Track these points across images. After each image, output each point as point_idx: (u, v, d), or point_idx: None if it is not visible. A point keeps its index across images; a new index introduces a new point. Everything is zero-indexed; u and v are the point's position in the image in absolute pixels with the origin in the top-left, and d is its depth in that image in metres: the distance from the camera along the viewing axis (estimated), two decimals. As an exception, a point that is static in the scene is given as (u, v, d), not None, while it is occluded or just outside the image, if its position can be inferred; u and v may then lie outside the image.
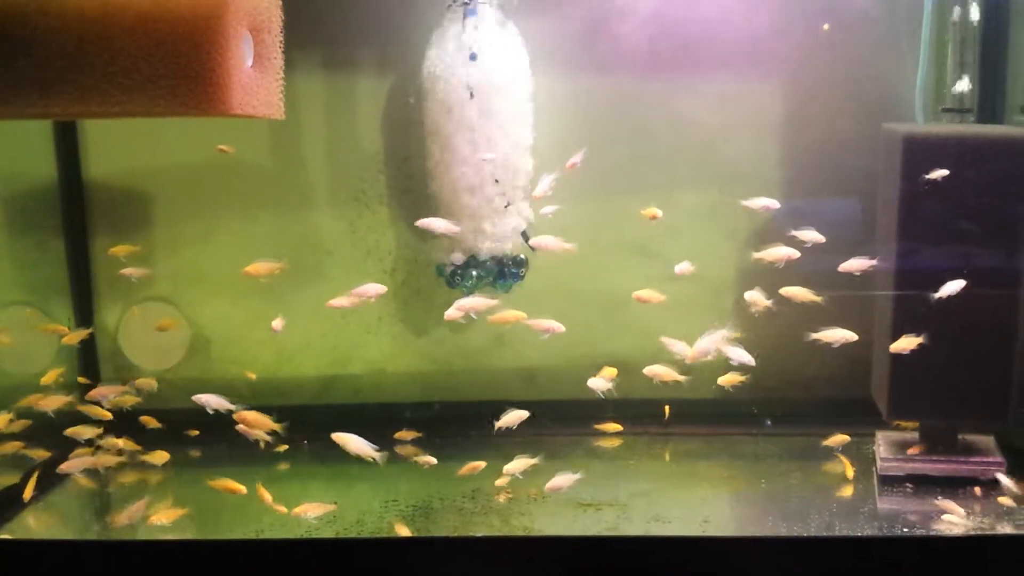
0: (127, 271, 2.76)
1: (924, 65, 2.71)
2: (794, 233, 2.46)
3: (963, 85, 2.60)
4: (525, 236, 2.81)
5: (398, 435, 2.77)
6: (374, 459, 2.34)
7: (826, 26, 2.75)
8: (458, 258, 2.77)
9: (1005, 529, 2.21)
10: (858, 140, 2.77)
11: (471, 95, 2.63)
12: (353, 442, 2.34)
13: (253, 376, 2.80)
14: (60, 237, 2.93)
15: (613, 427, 2.81)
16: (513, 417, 2.54)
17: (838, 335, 2.42)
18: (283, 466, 2.71)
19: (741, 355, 2.48)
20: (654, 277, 2.87)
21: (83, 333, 2.84)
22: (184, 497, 2.56)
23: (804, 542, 2.17)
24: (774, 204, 2.55)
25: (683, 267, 2.60)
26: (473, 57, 2.60)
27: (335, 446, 2.79)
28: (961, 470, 2.46)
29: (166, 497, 2.53)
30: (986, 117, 2.73)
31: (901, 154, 2.43)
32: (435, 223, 2.55)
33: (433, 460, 2.56)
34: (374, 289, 2.52)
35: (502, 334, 2.97)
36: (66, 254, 2.93)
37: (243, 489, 2.39)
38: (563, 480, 2.38)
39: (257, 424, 2.46)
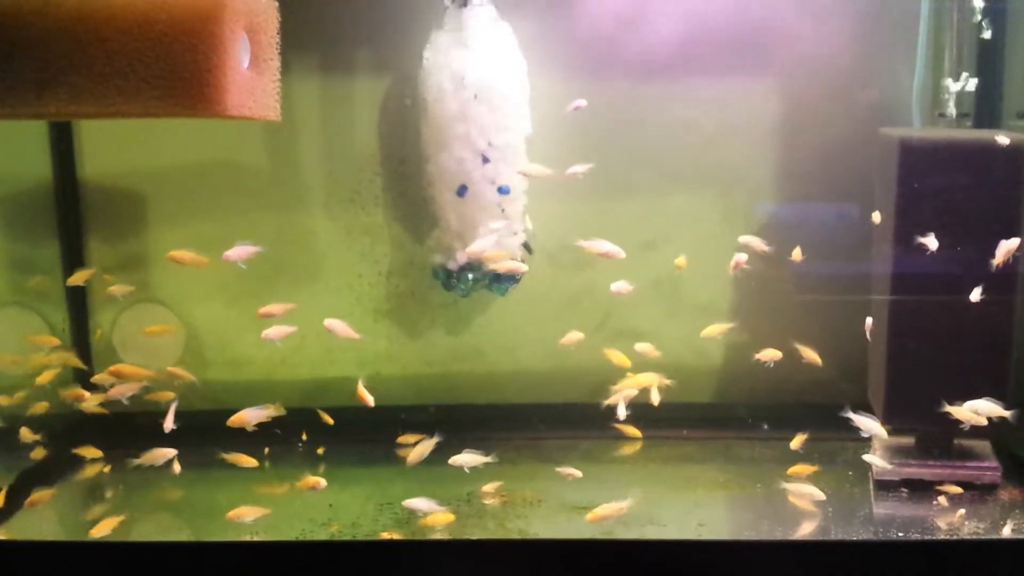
0: (113, 289, 2.76)
1: (921, 69, 2.72)
2: (921, 241, 2.37)
3: (961, 85, 2.60)
4: (527, 246, 2.80)
5: (401, 439, 2.76)
6: (271, 416, 2.38)
7: None
8: (454, 261, 2.77)
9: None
10: (855, 144, 2.77)
11: (475, 95, 2.63)
12: (248, 414, 2.40)
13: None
14: (55, 238, 2.92)
15: (633, 432, 2.75)
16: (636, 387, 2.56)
17: (987, 408, 2.34)
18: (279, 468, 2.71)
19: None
20: (650, 279, 2.87)
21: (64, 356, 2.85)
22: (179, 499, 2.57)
23: (799, 546, 2.17)
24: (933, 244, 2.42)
25: (619, 286, 2.60)
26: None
27: (330, 448, 2.81)
28: (957, 475, 2.46)
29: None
30: (983, 122, 2.74)
31: (897, 159, 2.43)
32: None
33: (578, 473, 2.50)
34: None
35: (496, 337, 2.97)
36: (60, 255, 2.92)
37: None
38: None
39: (131, 375, 2.55)
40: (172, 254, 2.56)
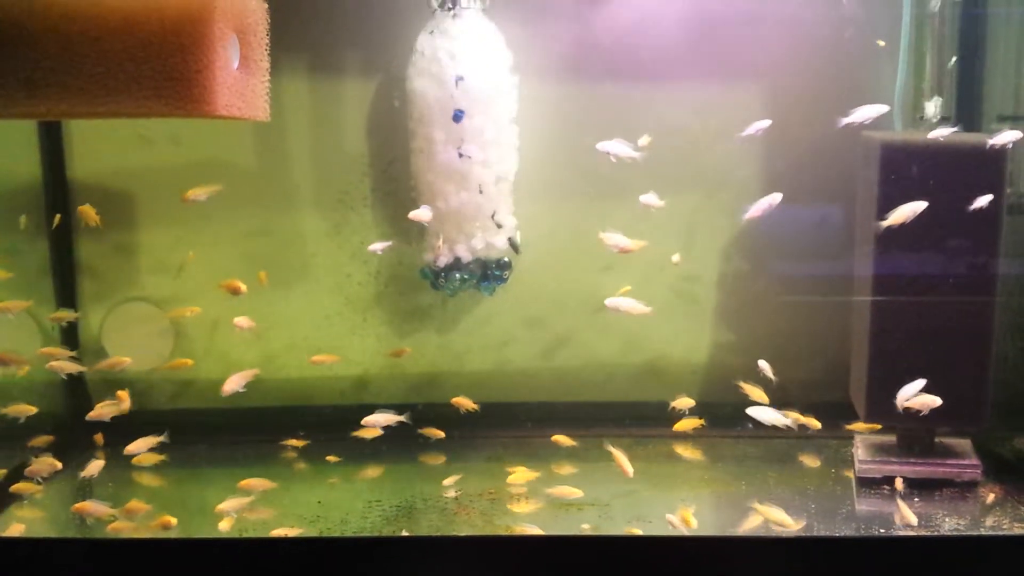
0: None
1: (902, 73, 2.75)
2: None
3: (933, 106, 2.64)
4: (512, 243, 2.82)
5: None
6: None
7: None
8: (442, 261, 2.79)
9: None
10: (837, 147, 2.80)
11: (462, 97, 2.65)
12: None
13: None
14: (44, 237, 2.93)
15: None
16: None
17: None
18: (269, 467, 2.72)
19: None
20: (637, 281, 2.89)
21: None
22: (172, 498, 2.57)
23: (783, 542, 2.19)
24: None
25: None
26: (459, 79, 2.63)
27: (318, 446, 2.82)
28: (938, 472, 2.50)
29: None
30: (964, 125, 2.77)
31: (878, 161, 2.46)
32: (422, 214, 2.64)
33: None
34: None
35: (484, 336, 2.99)
36: (50, 254, 2.93)
37: None
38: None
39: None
40: (223, 284, 2.66)
